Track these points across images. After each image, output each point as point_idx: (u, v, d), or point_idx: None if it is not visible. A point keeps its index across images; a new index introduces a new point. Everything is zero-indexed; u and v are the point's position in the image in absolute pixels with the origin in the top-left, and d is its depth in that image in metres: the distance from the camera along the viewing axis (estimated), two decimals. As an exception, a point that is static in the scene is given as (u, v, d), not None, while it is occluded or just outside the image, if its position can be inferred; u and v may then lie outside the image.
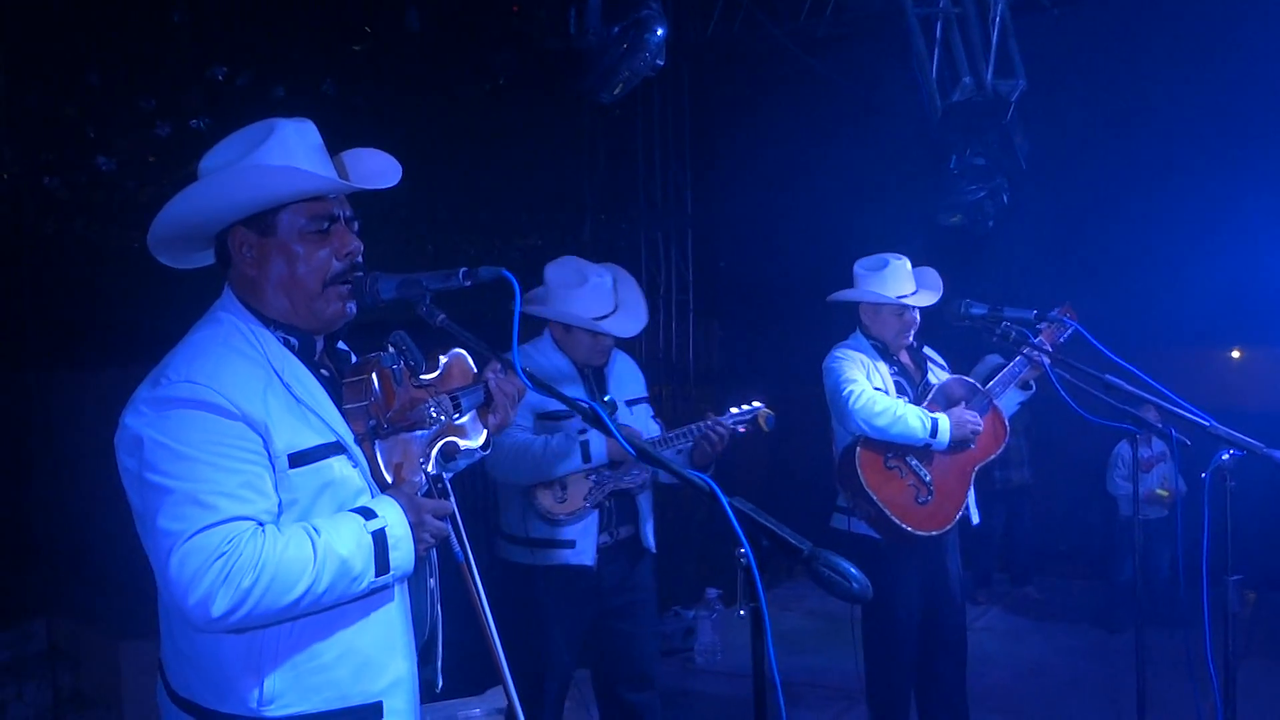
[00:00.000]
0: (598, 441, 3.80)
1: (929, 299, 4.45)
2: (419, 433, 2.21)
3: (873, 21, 7.20)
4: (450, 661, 2.40)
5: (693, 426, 3.90)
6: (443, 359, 2.39)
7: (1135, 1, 7.10)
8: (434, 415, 2.21)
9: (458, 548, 2.20)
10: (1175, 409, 3.27)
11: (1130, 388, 3.43)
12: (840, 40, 7.59)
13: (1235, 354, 9.40)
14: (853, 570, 1.64)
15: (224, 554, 1.88)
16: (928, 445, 4.27)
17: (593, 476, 3.88)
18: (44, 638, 6.06)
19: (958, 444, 4.31)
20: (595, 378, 4.03)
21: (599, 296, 3.93)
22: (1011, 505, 8.53)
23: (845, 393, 4.26)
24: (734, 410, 3.97)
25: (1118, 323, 4.57)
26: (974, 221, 6.86)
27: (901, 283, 4.43)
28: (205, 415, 1.95)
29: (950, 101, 6.26)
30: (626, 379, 4.16)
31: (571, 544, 3.87)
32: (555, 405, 3.69)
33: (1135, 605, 4.05)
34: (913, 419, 4.23)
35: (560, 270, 4.00)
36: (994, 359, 4.77)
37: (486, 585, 2.23)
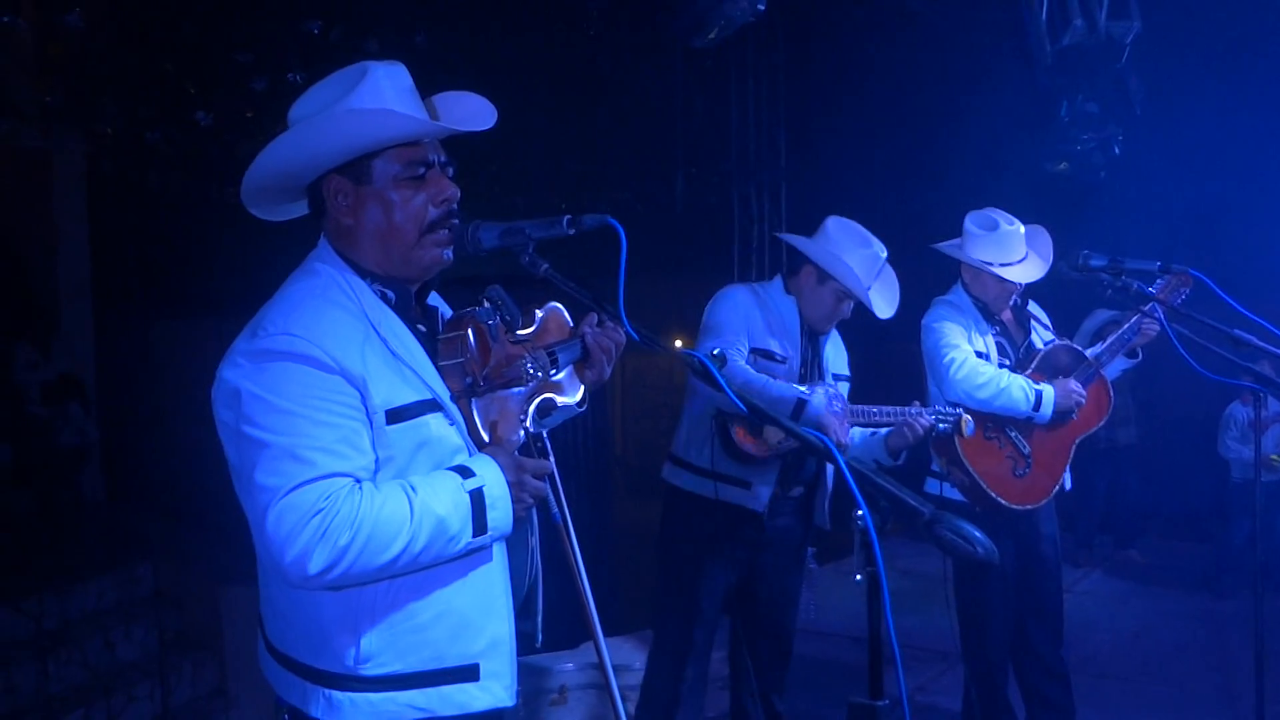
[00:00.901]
0: (819, 400, 3.75)
1: (1033, 272, 4.22)
2: (516, 390, 2.15)
3: (978, -37, 6.93)
4: (546, 615, 2.36)
5: (895, 409, 3.88)
6: (538, 313, 2.32)
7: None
8: (531, 372, 2.15)
9: (555, 509, 2.14)
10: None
11: (1261, 343, 3.24)
12: (943, -17, 7.32)
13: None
14: (977, 534, 1.56)
15: (321, 510, 1.86)
16: (1030, 418, 4.11)
17: None
18: (150, 581, 6.23)
19: (1061, 416, 4.14)
20: (811, 340, 4.02)
21: (869, 266, 3.89)
22: (1116, 465, 8.29)
23: (946, 359, 4.11)
24: (940, 409, 3.95)
25: (1236, 279, 4.34)
26: (1082, 171, 6.59)
27: (1009, 249, 4.19)
28: (303, 369, 1.92)
29: (1060, 45, 5.98)
30: (837, 353, 4.14)
31: (748, 485, 3.87)
32: (769, 345, 3.84)
33: (1253, 570, 3.87)
34: (1016, 391, 4.06)
35: (846, 228, 3.96)
36: (1103, 314, 4.55)
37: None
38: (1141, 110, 6.45)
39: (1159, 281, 3.93)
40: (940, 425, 3.86)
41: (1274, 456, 7.11)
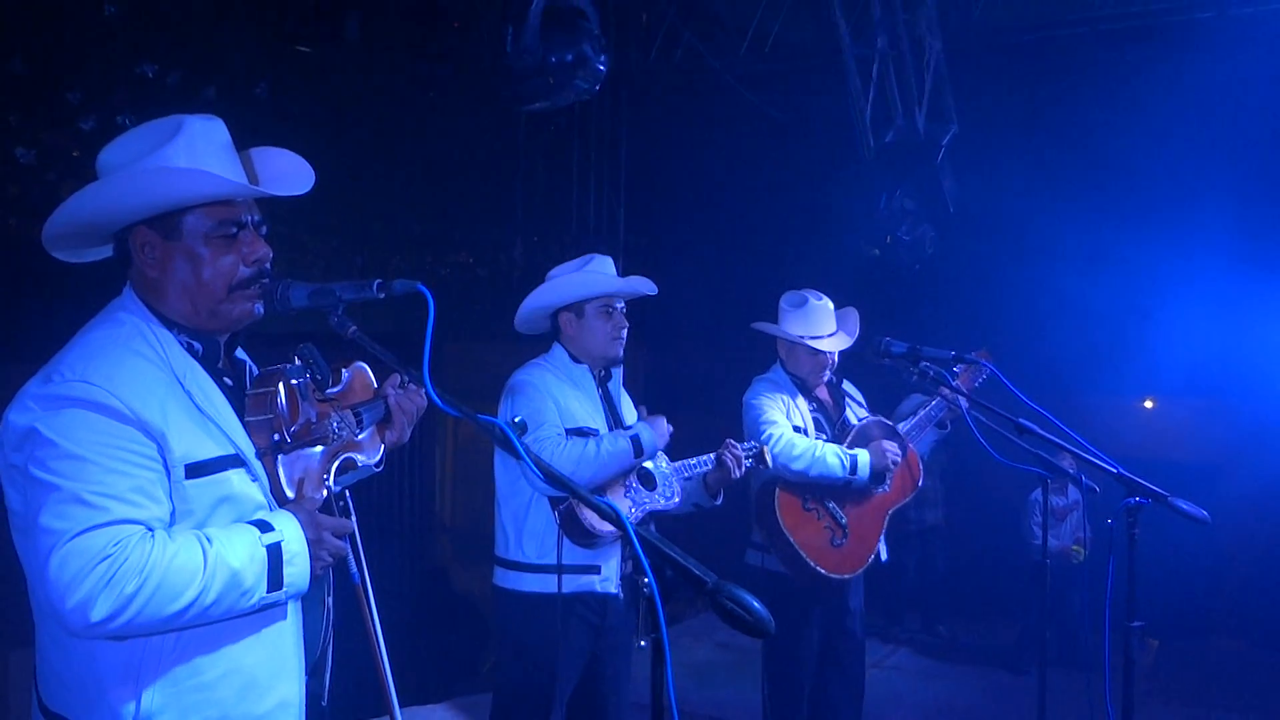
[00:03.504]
0: (646, 433, 3.63)
1: (842, 343, 4.47)
2: (320, 448, 2.14)
3: (810, 59, 7.28)
4: (349, 681, 2.33)
5: (710, 455, 3.89)
6: (345, 373, 2.33)
7: (1068, 52, 7.25)
8: (337, 431, 2.15)
9: (355, 568, 2.13)
10: (1084, 454, 3.31)
11: (1042, 432, 3.47)
12: (778, 76, 7.65)
13: (1148, 404, 9.57)
14: (755, 604, 1.62)
15: (109, 556, 1.80)
16: (849, 482, 4.28)
17: (629, 495, 3.72)
18: (-75, 643, 5.78)
19: (878, 475, 4.33)
20: (607, 400, 3.87)
21: (601, 270, 3.92)
22: (924, 546, 8.60)
23: (764, 435, 4.24)
24: (750, 443, 4.04)
25: (1034, 369, 4.64)
26: (895, 261, 6.94)
27: (820, 323, 4.43)
28: (98, 417, 1.87)
29: (883, 141, 6.34)
30: (629, 410, 4.00)
31: (598, 570, 3.67)
32: (579, 422, 3.65)
33: (1040, 648, 4.10)
34: (831, 458, 4.25)
35: (563, 270, 3.92)
36: (917, 398, 4.82)
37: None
38: (954, 207, 6.85)
39: (958, 368, 4.20)
40: (747, 460, 3.93)
41: (1076, 547, 7.49)
